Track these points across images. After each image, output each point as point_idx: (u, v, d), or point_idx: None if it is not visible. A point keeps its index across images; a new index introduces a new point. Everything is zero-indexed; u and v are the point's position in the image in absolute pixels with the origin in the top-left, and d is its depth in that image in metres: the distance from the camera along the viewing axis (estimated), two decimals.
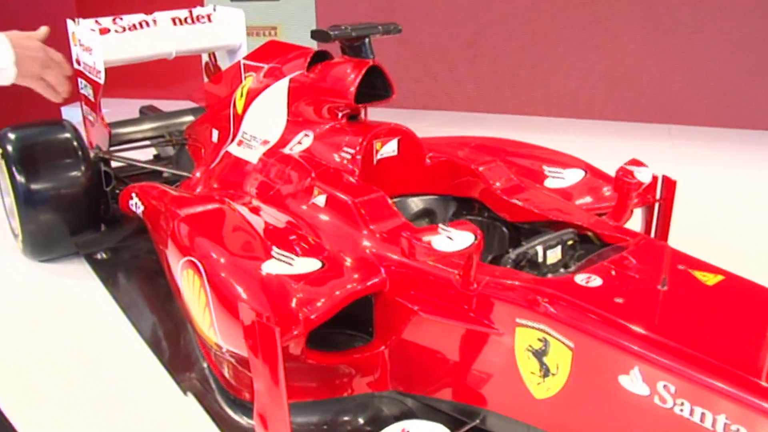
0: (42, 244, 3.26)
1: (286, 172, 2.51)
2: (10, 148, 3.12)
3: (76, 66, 3.57)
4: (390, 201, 2.25)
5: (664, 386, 1.51)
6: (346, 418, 2.12)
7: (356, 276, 2.00)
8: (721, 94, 5.55)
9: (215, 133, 3.16)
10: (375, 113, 2.78)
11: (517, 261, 2.00)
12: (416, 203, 2.59)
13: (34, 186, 3.11)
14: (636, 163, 2.30)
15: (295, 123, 2.69)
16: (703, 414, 1.45)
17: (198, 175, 3.11)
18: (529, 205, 2.36)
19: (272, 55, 2.99)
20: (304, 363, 1.98)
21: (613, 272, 1.84)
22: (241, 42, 3.76)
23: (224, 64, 3.87)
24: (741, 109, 5.55)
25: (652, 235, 2.61)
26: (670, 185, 2.54)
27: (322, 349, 2.06)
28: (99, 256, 3.30)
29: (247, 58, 3.16)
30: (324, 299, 1.90)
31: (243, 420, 2.17)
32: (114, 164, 3.56)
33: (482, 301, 1.83)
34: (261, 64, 2.99)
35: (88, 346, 2.67)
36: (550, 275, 2.02)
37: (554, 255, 2.05)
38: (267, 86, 2.85)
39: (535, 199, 2.41)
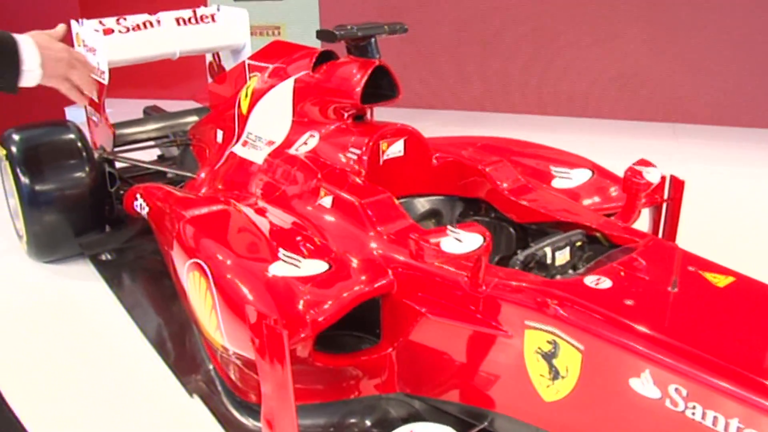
0: (46, 245, 3.26)
1: (292, 173, 2.50)
2: (14, 149, 3.12)
3: None
4: (396, 202, 2.24)
5: (676, 389, 1.50)
6: (353, 420, 2.11)
7: (363, 278, 1.98)
8: (726, 93, 5.53)
9: (220, 134, 3.15)
10: (379, 112, 2.77)
11: (525, 262, 1.98)
12: (423, 204, 2.58)
13: (38, 187, 3.10)
14: (644, 163, 2.28)
15: (300, 123, 2.68)
16: (715, 418, 1.44)
17: (203, 175, 3.10)
18: (536, 205, 2.35)
19: (277, 55, 2.98)
20: (312, 365, 1.97)
21: (623, 274, 1.83)
22: (245, 42, 3.75)
23: (228, 64, 3.86)
24: (745, 108, 5.53)
25: (660, 235, 2.59)
26: (678, 185, 2.53)
27: (328, 351, 2.05)
28: (104, 257, 3.30)
29: (251, 58, 3.15)
30: (331, 301, 1.89)
31: (249, 422, 2.17)
32: (118, 165, 3.55)
33: (491, 303, 1.82)
34: (266, 64, 2.98)
35: (92, 348, 2.67)
36: (558, 277, 2.01)
37: (563, 256, 2.03)
38: (272, 86, 2.84)
39: (543, 199, 2.40)
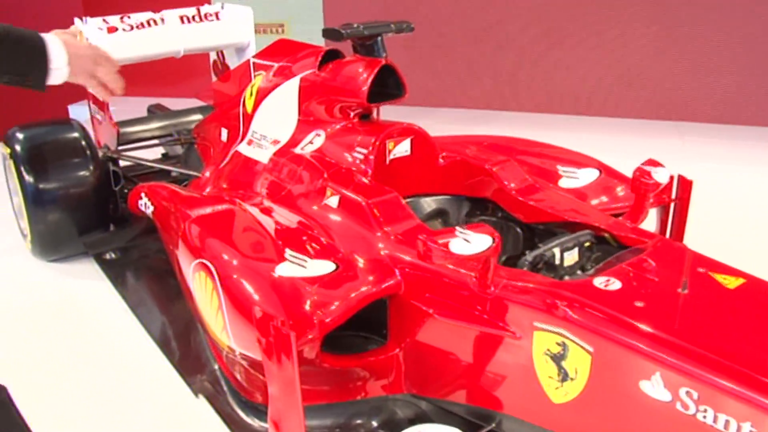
0: (51, 244, 3.25)
1: (298, 172, 2.49)
2: (18, 147, 3.11)
3: None
4: (403, 202, 2.22)
5: (687, 392, 1.49)
6: (359, 421, 2.10)
7: (371, 278, 1.97)
8: (731, 91, 5.51)
9: (224, 133, 3.14)
10: (383, 110, 2.75)
11: (533, 263, 1.97)
12: (429, 203, 2.57)
13: (42, 186, 3.09)
14: (653, 163, 2.27)
15: (306, 122, 2.66)
16: (727, 421, 1.43)
17: (207, 174, 3.09)
18: (543, 205, 2.33)
19: (282, 53, 2.96)
20: (318, 366, 1.96)
21: (632, 275, 1.81)
22: (250, 40, 3.73)
23: (232, 62, 3.85)
24: (750, 106, 5.51)
25: (667, 235, 2.58)
26: (685, 185, 2.51)
27: (334, 352, 2.04)
28: (108, 256, 3.29)
29: (256, 56, 3.14)
30: (339, 302, 1.88)
31: (255, 423, 2.16)
32: (122, 163, 3.54)
33: (499, 305, 1.81)
34: (271, 63, 2.97)
35: (97, 347, 2.66)
36: (566, 278, 2.00)
37: (571, 257, 2.02)
38: (277, 85, 2.83)
39: (550, 199, 2.38)
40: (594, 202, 2.54)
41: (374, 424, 2.09)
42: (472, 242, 1.71)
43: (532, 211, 2.36)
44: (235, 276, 1.98)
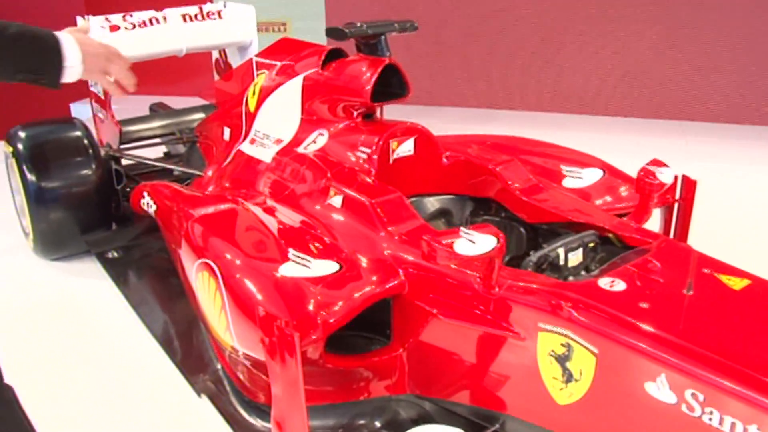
0: (53, 242, 3.24)
1: (301, 171, 2.48)
2: (20, 146, 3.10)
3: None
4: (407, 201, 2.22)
5: (692, 394, 1.48)
6: (362, 422, 2.09)
7: (374, 278, 1.97)
8: (733, 90, 5.50)
9: (227, 131, 3.13)
10: (386, 109, 2.75)
11: (538, 263, 1.97)
12: (432, 203, 2.56)
13: (44, 184, 3.09)
14: (657, 163, 2.26)
15: (309, 122, 2.66)
16: (733, 424, 1.42)
17: (210, 173, 3.08)
18: (547, 205, 2.32)
19: (285, 52, 2.96)
20: (322, 367, 1.96)
21: (637, 276, 1.81)
22: (252, 38, 3.72)
23: (234, 60, 3.84)
24: (754, 105, 5.50)
25: (671, 235, 2.57)
26: (690, 185, 2.51)
27: (337, 352, 2.03)
28: (110, 255, 3.28)
29: (259, 55, 3.13)
30: (342, 302, 1.87)
31: (258, 423, 2.15)
32: (124, 162, 3.54)
33: (503, 305, 1.80)
34: (274, 62, 2.96)
35: (99, 346, 2.66)
36: (571, 278, 1.99)
37: (576, 257, 2.01)
38: (280, 84, 2.82)
39: (554, 199, 2.37)
40: (598, 202, 2.53)
41: (377, 424, 2.08)
42: (476, 243, 1.70)
43: (536, 211, 2.35)
44: (238, 276, 1.97)
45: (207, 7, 3.65)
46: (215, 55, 4.02)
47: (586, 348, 1.65)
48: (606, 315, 1.66)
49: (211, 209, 2.40)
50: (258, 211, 2.37)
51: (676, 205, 2.54)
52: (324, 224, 2.24)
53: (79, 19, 3.44)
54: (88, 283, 3.13)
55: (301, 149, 2.58)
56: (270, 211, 2.39)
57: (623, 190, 2.60)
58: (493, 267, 1.77)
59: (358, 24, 2.41)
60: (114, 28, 3.39)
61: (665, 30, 5.49)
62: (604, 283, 1.77)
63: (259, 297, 1.89)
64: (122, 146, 3.53)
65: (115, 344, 2.67)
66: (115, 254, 3.29)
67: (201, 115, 3.69)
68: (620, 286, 1.76)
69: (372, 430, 2.08)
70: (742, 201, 4.03)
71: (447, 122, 5.22)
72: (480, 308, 1.84)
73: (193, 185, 3.14)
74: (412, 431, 1.87)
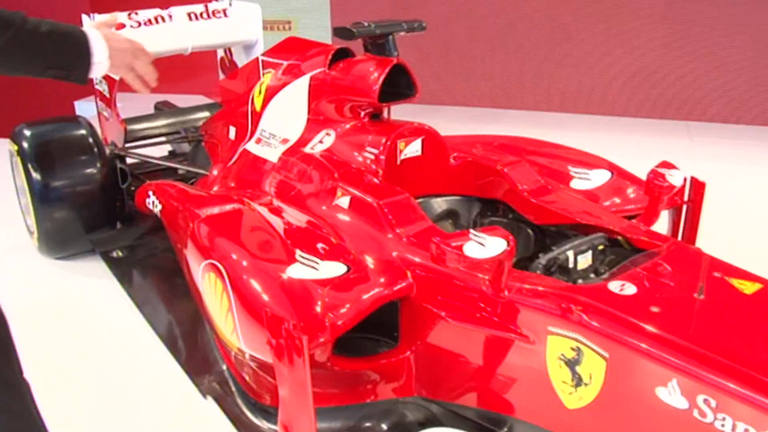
0: (57, 241, 3.23)
1: (308, 172, 2.46)
2: (25, 144, 3.09)
3: None
4: (415, 202, 2.20)
5: (705, 400, 1.47)
6: (369, 424, 2.08)
7: (382, 280, 1.95)
8: (740, 91, 5.48)
9: (232, 131, 3.11)
10: (390, 109, 2.73)
11: (547, 266, 1.95)
12: (440, 204, 2.55)
13: (49, 183, 3.08)
14: (667, 165, 2.25)
15: (315, 122, 2.64)
16: (746, 430, 1.41)
17: (215, 172, 3.07)
18: (555, 207, 2.31)
19: (292, 51, 2.94)
20: (329, 369, 1.94)
21: (648, 280, 1.79)
22: (258, 37, 3.71)
23: (240, 59, 3.82)
24: (761, 106, 5.48)
25: (679, 237, 2.55)
26: (698, 187, 2.48)
27: (344, 354, 2.02)
28: (115, 254, 3.27)
29: (265, 54, 3.11)
30: (350, 305, 1.86)
31: (264, 425, 2.14)
32: (129, 161, 3.52)
33: (513, 309, 1.79)
34: (280, 61, 2.94)
35: (102, 346, 2.65)
36: (580, 281, 1.98)
37: (585, 260, 2.00)
38: (286, 83, 2.80)
39: (562, 201, 2.36)
40: (606, 203, 2.51)
41: (384, 427, 2.07)
42: (486, 246, 1.69)
43: (544, 212, 2.34)
44: (245, 277, 1.96)
45: (213, 6, 3.64)
46: (220, 53, 4.01)
47: (597, 352, 1.64)
48: (617, 319, 1.65)
49: (217, 209, 2.39)
50: (264, 211, 2.35)
51: (684, 207, 2.52)
52: (331, 225, 2.23)
53: (84, 17, 3.43)
54: (92, 283, 3.12)
55: (307, 149, 2.57)
56: (276, 211, 2.37)
57: (631, 192, 2.58)
58: (503, 270, 1.76)
59: (366, 24, 2.39)
60: (119, 27, 3.37)
61: (673, 31, 5.48)
62: (614, 286, 1.76)
63: (267, 299, 1.87)
64: (127, 145, 3.52)
65: (119, 344, 2.66)
66: (120, 253, 3.28)
67: (206, 114, 3.68)
68: (631, 289, 1.74)
69: None
70: (748, 202, 4.01)
71: (452, 121, 5.21)
72: (489, 311, 1.83)
73: (198, 184, 3.13)
74: None
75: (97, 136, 3.28)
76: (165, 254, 3.12)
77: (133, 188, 3.27)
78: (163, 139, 3.74)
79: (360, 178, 2.32)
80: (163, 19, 3.48)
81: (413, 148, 2.43)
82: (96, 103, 3.75)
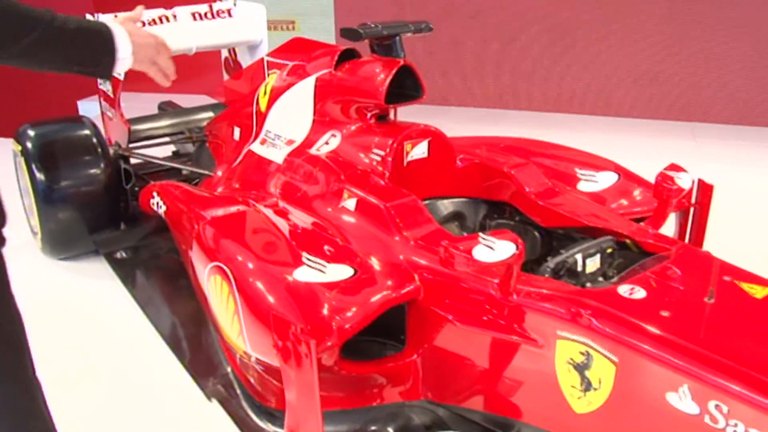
0: (61, 242, 3.22)
1: (314, 173, 2.45)
2: (29, 145, 3.08)
3: None
4: (422, 205, 2.19)
5: (716, 406, 1.45)
6: (375, 428, 2.06)
7: (390, 283, 1.94)
8: (745, 92, 5.47)
9: (237, 131, 3.10)
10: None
11: (555, 270, 1.94)
12: (446, 206, 2.53)
13: (53, 183, 3.07)
14: (675, 168, 2.24)
15: (321, 123, 2.63)
16: None
17: (219, 173, 3.06)
18: (563, 210, 2.29)
19: (297, 52, 2.93)
20: (336, 373, 1.93)
21: (657, 283, 1.78)
22: (262, 37, 3.70)
23: (244, 59, 3.82)
24: (764, 106, 5.46)
25: (687, 240, 2.54)
26: (706, 190, 2.48)
27: (350, 357, 2.01)
28: (118, 255, 3.26)
29: (271, 54, 3.11)
30: (358, 308, 1.84)
31: (269, 428, 2.13)
32: (132, 161, 3.51)
33: (521, 312, 1.78)
34: (285, 62, 2.93)
35: (106, 347, 2.64)
36: (588, 284, 1.96)
37: (593, 263, 1.99)
38: (292, 84, 2.79)
39: (569, 203, 2.34)
40: (613, 206, 2.50)
41: (390, 430, 2.05)
42: (495, 249, 1.67)
43: (551, 215, 2.32)
44: (252, 280, 1.95)
45: (217, 6, 3.63)
46: (224, 53, 4.00)
47: (606, 357, 1.63)
48: (626, 323, 1.63)
49: (222, 211, 2.38)
50: (270, 213, 2.34)
51: (691, 210, 2.51)
52: (337, 227, 2.21)
53: (88, 17, 3.41)
54: (96, 284, 3.11)
55: (313, 150, 2.56)
56: (282, 213, 2.36)
57: (638, 195, 2.57)
58: (512, 273, 1.75)
59: (373, 25, 2.38)
60: None
61: (677, 30, 5.46)
62: (623, 290, 1.74)
63: (274, 302, 1.86)
64: (131, 145, 3.50)
65: (123, 345, 2.65)
66: (124, 254, 3.27)
67: (210, 114, 3.67)
68: (640, 293, 1.73)
69: None
70: (753, 203, 3.99)
71: (456, 122, 5.18)
72: (497, 314, 1.82)
73: (203, 185, 3.12)
74: None
75: (101, 136, 3.26)
76: (169, 255, 3.11)
77: (137, 189, 3.26)
78: (167, 139, 3.73)
79: (366, 180, 2.31)
80: (167, 18, 3.47)
81: (420, 150, 2.42)
82: (100, 103, 3.74)
